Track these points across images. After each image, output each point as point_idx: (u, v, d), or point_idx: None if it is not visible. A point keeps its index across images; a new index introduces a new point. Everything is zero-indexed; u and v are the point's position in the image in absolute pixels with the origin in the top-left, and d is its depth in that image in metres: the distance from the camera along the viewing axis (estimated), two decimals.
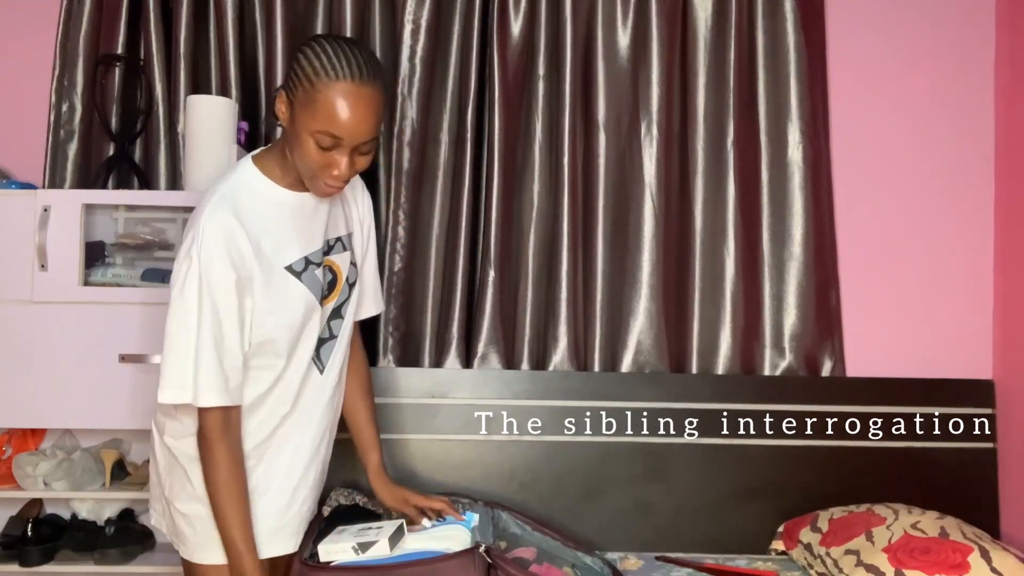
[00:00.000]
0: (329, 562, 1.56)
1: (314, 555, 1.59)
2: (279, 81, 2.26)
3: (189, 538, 1.56)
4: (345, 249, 1.65)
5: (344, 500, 1.84)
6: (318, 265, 1.57)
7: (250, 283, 1.47)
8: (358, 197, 1.73)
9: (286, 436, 1.59)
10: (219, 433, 1.47)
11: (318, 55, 1.41)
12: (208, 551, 1.54)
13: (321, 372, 1.61)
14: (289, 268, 1.52)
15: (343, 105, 1.39)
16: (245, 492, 1.50)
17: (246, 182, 1.52)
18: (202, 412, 1.46)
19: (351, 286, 1.67)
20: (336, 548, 1.57)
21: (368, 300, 1.78)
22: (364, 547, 1.56)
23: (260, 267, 1.48)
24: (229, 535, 1.48)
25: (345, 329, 1.65)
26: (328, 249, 1.61)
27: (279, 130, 2.17)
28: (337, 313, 1.63)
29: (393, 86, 2.30)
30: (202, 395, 1.44)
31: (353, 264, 1.68)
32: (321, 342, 1.60)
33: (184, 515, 1.55)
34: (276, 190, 1.52)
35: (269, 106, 2.29)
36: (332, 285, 1.61)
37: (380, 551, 1.57)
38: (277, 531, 1.60)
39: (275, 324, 1.51)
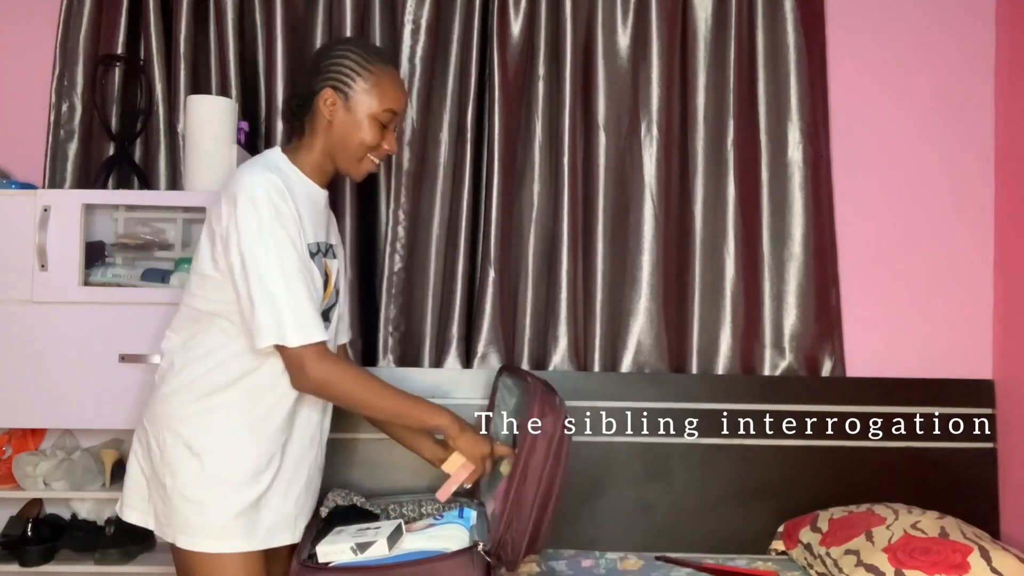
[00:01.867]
0: (327, 563, 1.56)
1: (312, 556, 1.59)
2: (279, 81, 2.27)
3: (197, 527, 1.55)
4: (335, 257, 1.73)
5: (341, 500, 1.84)
6: (324, 254, 1.65)
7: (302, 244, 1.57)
8: (334, 224, 1.84)
9: (302, 419, 1.65)
10: (324, 357, 1.53)
11: (357, 51, 1.65)
12: (213, 538, 1.55)
13: None
14: (314, 246, 1.61)
15: (399, 85, 1.68)
16: (380, 380, 1.61)
17: (275, 161, 1.63)
18: (304, 351, 1.51)
19: (338, 292, 1.72)
20: (335, 549, 1.58)
21: (345, 325, 1.86)
22: (363, 547, 1.57)
23: (299, 231, 1.56)
24: (416, 411, 1.63)
25: (330, 335, 1.67)
26: (325, 250, 1.68)
27: (281, 130, 2.18)
28: (326, 316, 1.65)
29: None
30: (311, 333, 1.51)
31: (339, 273, 1.75)
32: None
33: (192, 501, 1.55)
34: (301, 175, 1.65)
35: (269, 106, 2.29)
36: (324, 285, 1.65)
37: (379, 551, 1.57)
38: (298, 517, 1.67)
39: None
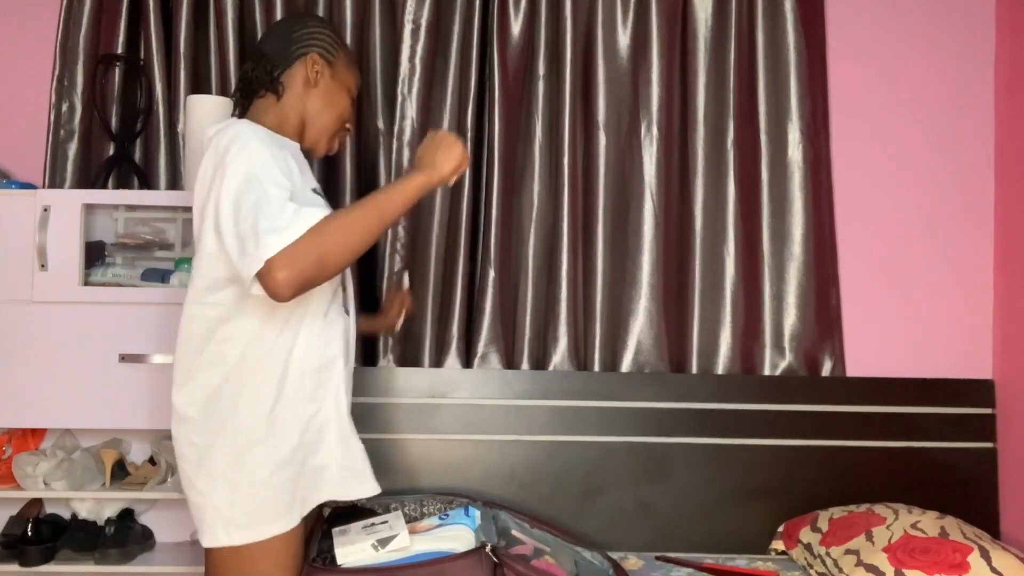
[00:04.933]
0: (341, 565, 1.55)
1: (321, 555, 1.58)
2: None
3: (254, 514, 1.49)
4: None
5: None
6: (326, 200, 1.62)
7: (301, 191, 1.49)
8: None
9: (338, 381, 1.59)
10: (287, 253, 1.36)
11: (329, 29, 1.69)
12: (259, 525, 1.50)
13: (347, 313, 1.65)
14: (315, 190, 1.58)
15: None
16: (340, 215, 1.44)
17: (251, 126, 1.53)
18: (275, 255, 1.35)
19: None
20: (354, 549, 1.56)
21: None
22: (384, 542, 1.56)
23: (296, 181, 1.49)
24: (390, 197, 1.48)
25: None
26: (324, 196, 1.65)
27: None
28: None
29: (393, 86, 2.30)
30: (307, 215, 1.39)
31: None
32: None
33: (250, 487, 1.49)
34: (280, 136, 1.59)
35: None
36: None
37: (401, 543, 1.56)
38: (362, 472, 1.62)
39: None
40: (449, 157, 1.54)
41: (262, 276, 1.35)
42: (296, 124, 1.64)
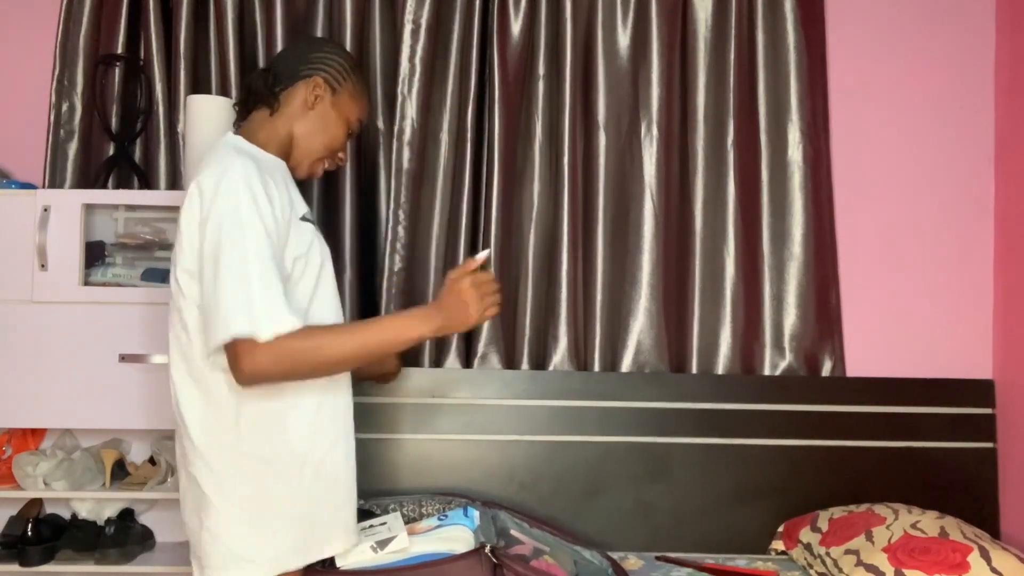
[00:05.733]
0: (340, 567, 1.55)
1: (322, 560, 1.58)
2: None
3: (267, 550, 1.47)
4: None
5: None
6: (315, 225, 1.61)
7: (287, 226, 1.48)
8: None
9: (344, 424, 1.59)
10: (269, 343, 1.37)
11: (345, 56, 1.69)
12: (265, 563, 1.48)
13: None
14: (304, 217, 1.56)
15: (368, 100, 1.74)
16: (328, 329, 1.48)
17: (239, 146, 1.54)
18: (254, 343, 1.36)
19: None
20: (354, 551, 1.56)
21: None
22: (383, 544, 1.56)
23: (284, 214, 1.48)
24: (378, 337, 1.46)
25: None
26: (314, 221, 1.64)
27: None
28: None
29: (393, 86, 2.30)
30: (283, 320, 1.38)
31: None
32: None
33: (262, 526, 1.47)
34: (266, 154, 1.59)
35: None
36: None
37: (400, 544, 1.56)
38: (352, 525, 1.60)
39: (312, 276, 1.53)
40: (466, 317, 1.51)
41: (232, 351, 1.37)
42: (284, 141, 1.63)
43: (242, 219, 1.40)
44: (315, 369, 1.44)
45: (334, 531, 1.55)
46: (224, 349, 1.39)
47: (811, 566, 1.99)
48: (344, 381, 1.60)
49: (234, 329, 1.35)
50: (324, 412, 1.53)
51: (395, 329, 1.49)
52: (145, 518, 2.25)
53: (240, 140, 1.58)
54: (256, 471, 1.47)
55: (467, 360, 2.29)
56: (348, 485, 1.58)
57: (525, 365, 2.28)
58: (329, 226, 2.25)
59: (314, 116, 1.63)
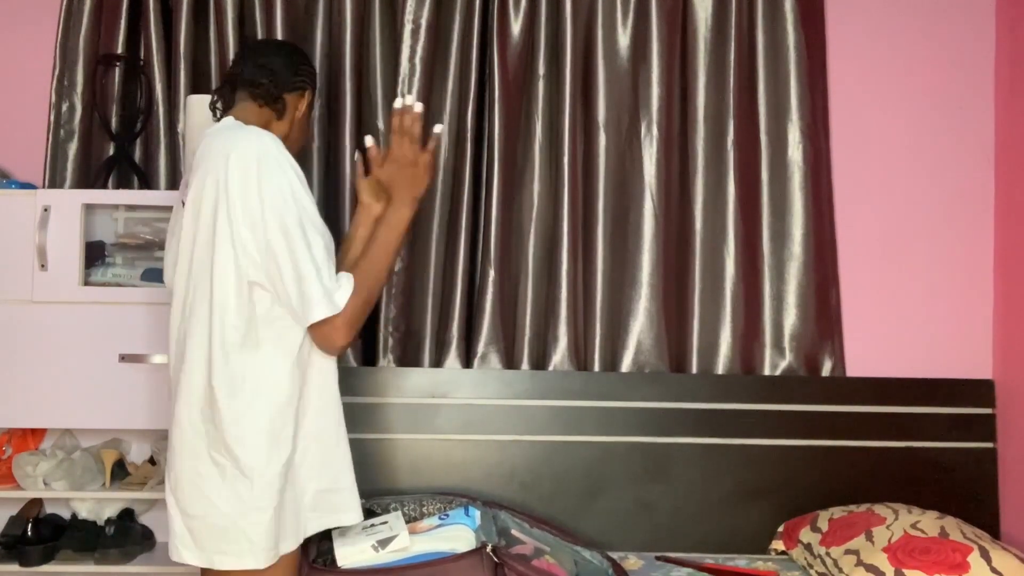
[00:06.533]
0: (342, 566, 1.55)
1: (321, 557, 1.58)
2: None
3: (261, 541, 1.45)
4: None
5: None
6: None
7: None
8: None
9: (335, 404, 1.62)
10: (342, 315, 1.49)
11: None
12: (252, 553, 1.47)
13: None
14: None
15: None
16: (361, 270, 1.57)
17: (254, 128, 1.57)
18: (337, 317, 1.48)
19: None
20: (355, 550, 1.56)
21: None
22: (384, 543, 1.56)
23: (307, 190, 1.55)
24: (394, 242, 1.62)
25: None
26: None
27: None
28: None
29: (393, 86, 2.30)
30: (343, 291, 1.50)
31: None
32: None
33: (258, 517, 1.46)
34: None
35: None
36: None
37: (401, 543, 1.56)
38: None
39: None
40: (420, 181, 1.65)
41: (324, 328, 1.47)
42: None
43: (296, 194, 1.48)
44: (372, 304, 1.57)
45: (351, 500, 1.59)
46: (318, 328, 1.48)
47: (811, 566, 1.99)
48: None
49: (318, 313, 1.45)
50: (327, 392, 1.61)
51: (395, 228, 1.63)
52: (145, 518, 2.25)
53: (271, 136, 1.56)
54: (297, 447, 1.51)
55: (467, 360, 2.29)
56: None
57: (525, 365, 2.28)
58: (329, 226, 2.23)
59: (297, 126, 1.73)
